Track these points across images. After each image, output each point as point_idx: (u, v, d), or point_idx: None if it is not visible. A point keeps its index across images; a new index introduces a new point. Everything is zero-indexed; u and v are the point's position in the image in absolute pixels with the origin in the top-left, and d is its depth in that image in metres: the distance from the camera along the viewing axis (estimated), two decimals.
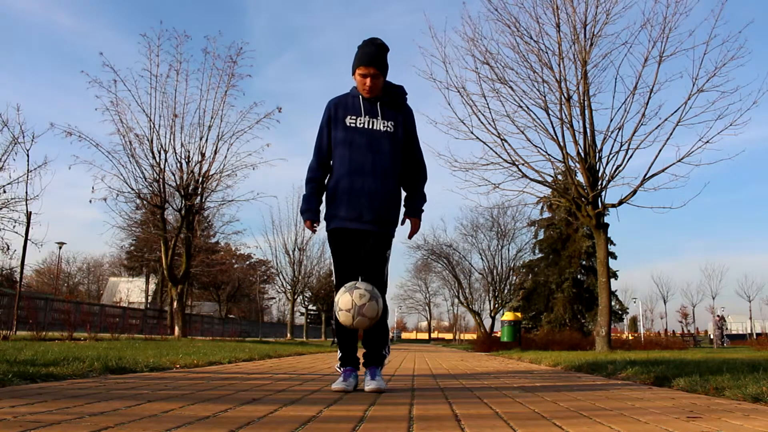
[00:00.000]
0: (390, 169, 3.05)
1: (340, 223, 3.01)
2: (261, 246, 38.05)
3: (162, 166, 15.06)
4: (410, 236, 3.16)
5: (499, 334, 18.77)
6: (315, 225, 3.13)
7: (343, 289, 2.79)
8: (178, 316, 15.77)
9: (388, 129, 3.05)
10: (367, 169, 2.98)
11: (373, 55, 2.96)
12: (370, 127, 3.03)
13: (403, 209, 3.16)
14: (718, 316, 31.22)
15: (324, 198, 3.13)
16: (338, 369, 3.07)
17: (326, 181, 3.14)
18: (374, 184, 2.98)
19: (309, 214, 3.09)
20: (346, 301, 2.72)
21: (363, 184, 2.97)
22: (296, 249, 31.10)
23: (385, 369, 5.15)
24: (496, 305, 29.44)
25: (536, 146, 12.22)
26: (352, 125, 3.02)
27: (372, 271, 2.99)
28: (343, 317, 2.73)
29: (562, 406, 2.31)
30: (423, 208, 3.18)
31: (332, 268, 3.10)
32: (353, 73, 3.03)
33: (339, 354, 3.11)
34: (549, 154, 12.31)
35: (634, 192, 11.74)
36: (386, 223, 3.04)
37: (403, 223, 3.15)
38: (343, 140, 3.01)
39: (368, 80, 2.97)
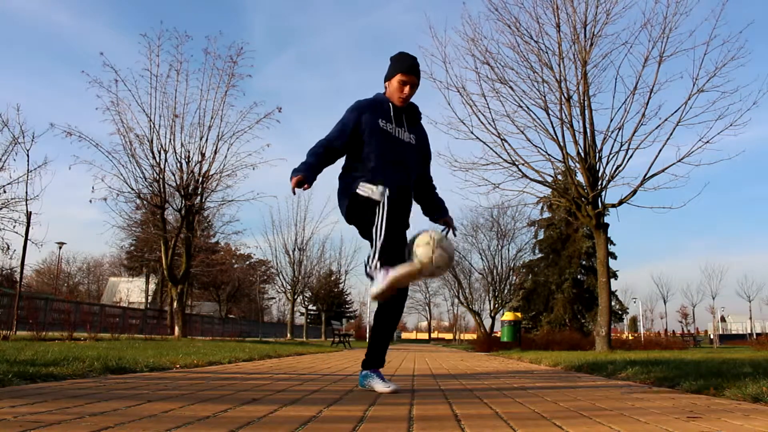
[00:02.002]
0: (413, 177, 3.14)
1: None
2: (261, 246, 38.15)
3: (162, 166, 15.07)
4: (455, 232, 3.28)
5: (499, 334, 18.78)
6: (305, 186, 2.86)
7: (417, 232, 2.80)
8: (178, 316, 15.77)
9: (412, 141, 3.12)
10: (400, 172, 3.01)
11: (414, 65, 3.04)
12: (399, 136, 3.07)
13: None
14: None
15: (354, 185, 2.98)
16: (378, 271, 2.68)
17: (355, 174, 3.00)
18: (404, 187, 3.04)
19: (305, 173, 2.85)
20: (423, 237, 2.73)
21: (396, 185, 2.96)
22: (296, 249, 31.12)
23: (385, 369, 5.14)
24: (496, 305, 29.43)
25: (536, 146, 12.25)
26: (384, 128, 3.02)
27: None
28: (422, 252, 2.68)
29: (562, 406, 2.31)
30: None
31: (378, 226, 2.81)
32: (388, 79, 3.05)
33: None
34: (549, 154, 12.34)
35: (634, 192, 11.76)
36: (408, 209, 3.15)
37: (441, 222, 3.25)
38: (378, 142, 2.99)
39: (407, 88, 3.01)
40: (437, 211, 3.28)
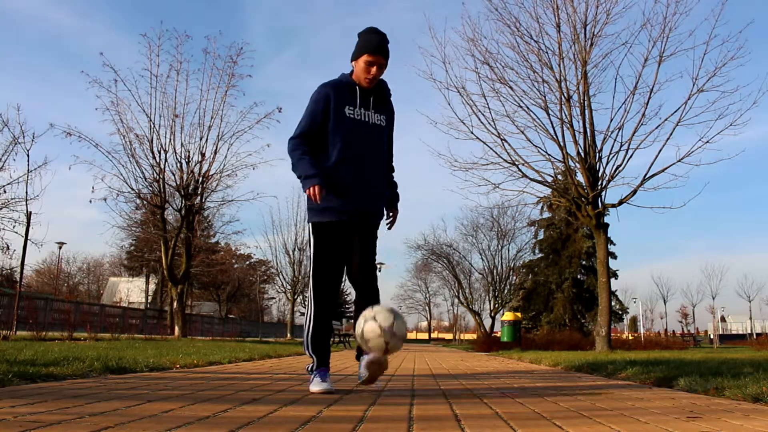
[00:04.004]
0: (385, 163, 3.10)
1: (336, 216, 2.90)
2: (261, 246, 38.13)
3: (162, 166, 15.10)
4: (391, 227, 3.18)
5: (499, 334, 18.78)
6: (323, 191, 2.81)
7: (361, 319, 2.60)
8: (178, 316, 15.77)
9: (381, 122, 3.04)
10: (368, 161, 2.96)
11: (381, 44, 2.91)
12: (367, 119, 2.98)
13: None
14: None
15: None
16: (310, 372, 2.92)
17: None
18: (375, 177, 2.99)
19: (318, 179, 2.80)
20: (371, 328, 2.53)
21: (365, 176, 2.94)
22: (296, 249, 31.14)
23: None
24: (496, 305, 29.45)
25: (536, 146, 12.24)
26: (351, 116, 2.94)
27: (369, 259, 2.97)
28: (374, 345, 2.54)
29: (562, 406, 2.31)
30: (399, 197, 3.25)
31: (312, 265, 2.92)
32: (355, 59, 2.95)
33: (314, 359, 2.91)
34: (549, 154, 12.33)
35: (634, 192, 11.75)
36: (380, 214, 3.08)
37: (388, 215, 3.17)
38: (344, 132, 2.91)
39: (374, 69, 2.91)
40: (389, 199, 3.16)
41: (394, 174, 3.27)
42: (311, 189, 2.81)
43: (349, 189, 2.91)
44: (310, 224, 2.99)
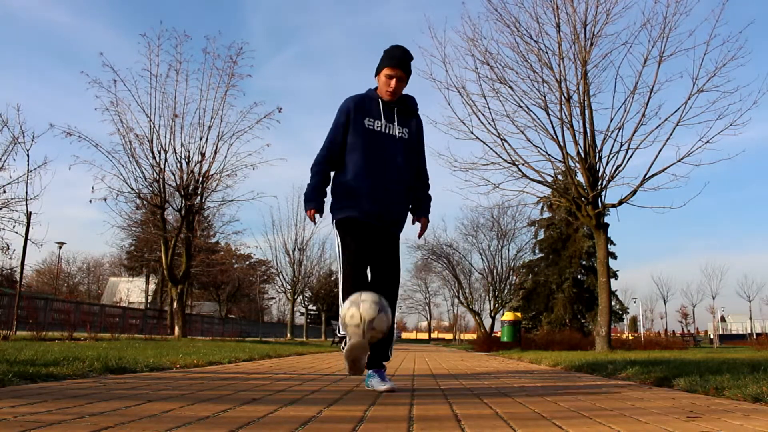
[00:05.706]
0: (405, 174, 3.15)
1: (356, 213, 2.99)
2: (261, 246, 38.21)
3: (162, 166, 15.06)
4: (420, 235, 3.31)
5: (499, 334, 18.78)
6: (318, 215, 3.10)
7: (348, 302, 2.62)
8: (178, 316, 15.76)
9: (403, 135, 3.14)
10: (385, 172, 3.04)
11: (400, 58, 3.07)
12: (388, 131, 3.08)
13: (409, 209, 3.28)
14: None
15: (334, 192, 3.13)
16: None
17: (337, 177, 3.13)
18: (392, 188, 3.06)
19: (315, 203, 3.05)
20: (352, 314, 2.56)
21: (382, 186, 3.02)
22: (296, 249, 31.20)
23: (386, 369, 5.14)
24: (496, 305, 29.42)
25: (536, 146, 12.25)
26: (371, 127, 3.05)
27: (391, 269, 3.04)
28: (352, 332, 2.58)
29: (562, 406, 2.31)
30: (430, 208, 3.35)
31: (339, 260, 3.03)
32: (377, 74, 3.11)
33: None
34: (549, 154, 12.33)
35: (634, 192, 11.75)
36: (400, 224, 3.16)
37: (414, 222, 3.30)
38: (362, 142, 3.03)
39: (393, 81, 3.04)
40: (417, 208, 3.29)
41: (428, 184, 3.34)
42: (308, 212, 3.06)
43: (364, 197, 2.99)
44: (335, 222, 3.07)
